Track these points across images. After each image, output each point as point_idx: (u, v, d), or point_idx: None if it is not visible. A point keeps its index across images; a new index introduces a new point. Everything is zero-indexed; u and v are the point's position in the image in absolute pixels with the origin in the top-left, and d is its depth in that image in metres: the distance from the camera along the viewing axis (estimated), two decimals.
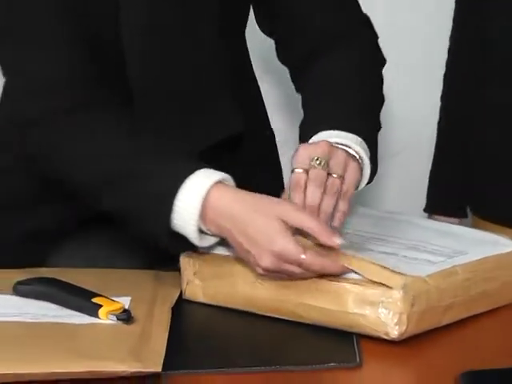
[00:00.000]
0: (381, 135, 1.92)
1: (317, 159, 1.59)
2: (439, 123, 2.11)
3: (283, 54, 2.00)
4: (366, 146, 1.73)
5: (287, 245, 1.52)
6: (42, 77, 1.78)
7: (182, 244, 1.64)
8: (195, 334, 1.63)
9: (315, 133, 1.73)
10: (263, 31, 2.03)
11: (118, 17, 1.80)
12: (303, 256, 1.51)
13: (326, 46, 1.91)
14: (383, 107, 1.97)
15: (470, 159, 2.03)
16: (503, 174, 1.98)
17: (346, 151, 1.67)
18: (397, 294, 1.48)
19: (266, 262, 1.53)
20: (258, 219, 1.56)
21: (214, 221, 1.59)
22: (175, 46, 1.84)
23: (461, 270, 1.59)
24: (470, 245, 1.72)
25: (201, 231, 1.61)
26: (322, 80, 1.88)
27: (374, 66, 1.95)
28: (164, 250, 1.67)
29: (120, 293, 1.64)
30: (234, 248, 1.60)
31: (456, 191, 1.99)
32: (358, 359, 1.48)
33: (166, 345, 1.49)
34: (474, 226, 1.93)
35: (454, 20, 2.08)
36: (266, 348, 1.56)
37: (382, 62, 1.96)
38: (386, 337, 1.50)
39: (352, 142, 1.70)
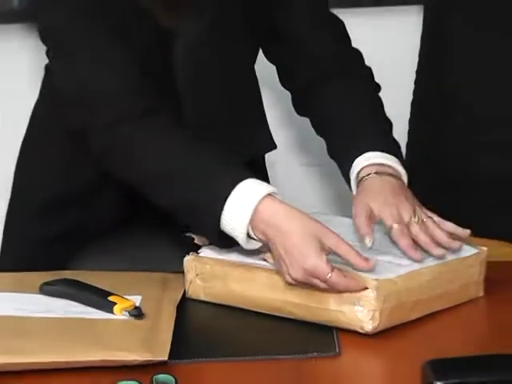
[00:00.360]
0: None
1: (414, 217, 1.66)
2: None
3: (287, 81, 2.01)
4: (399, 162, 1.77)
5: (319, 263, 1.53)
6: (109, 88, 1.77)
7: (230, 242, 1.63)
8: (197, 328, 1.64)
9: (360, 153, 1.75)
10: (268, 59, 2.02)
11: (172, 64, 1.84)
12: (330, 275, 1.52)
13: (328, 75, 1.91)
14: None
15: (432, 182, 2.02)
16: (467, 188, 1.97)
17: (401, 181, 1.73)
18: (371, 294, 1.51)
19: (297, 274, 1.54)
20: (298, 236, 1.55)
21: (262, 230, 1.58)
22: (219, 93, 1.88)
23: (427, 272, 1.61)
24: None
25: (248, 235, 1.60)
26: (338, 105, 1.89)
27: (376, 91, 1.95)
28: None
29: (132, 292, 1.65)
30: (273, 255, 1.60)
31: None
32: (337, 349, 1.50)
33: (171, 337, 1.50)
34: None
35: (417, 70, 2.09)
36: (257, 340, 1.57)
37: (379, 88, 1.97)
38: (361, 331, 1.52)
39: (394, 162, 1.75)
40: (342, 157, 1.81)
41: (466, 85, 1.90)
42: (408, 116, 2.08)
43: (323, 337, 1.56)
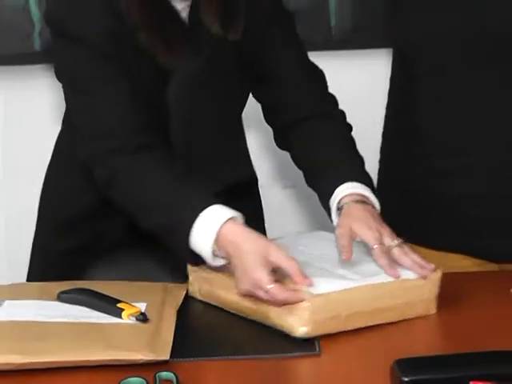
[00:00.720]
0: None
1: (394, 240, 1.67)
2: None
3: (270, 119, 1.98)
4: (373, 193, 1.77)
5: (261, 276, 1.54)
6: (108, 125, 1.77)
7: (201, 260, 1.64)
8: (195, 330, 1.63)
9: (341, 183, 1.75)
10: (255, 97, 2.00)
11: (167, 99, 1.83)
12: (269, 286, 1.53)
13: (307, 116, 1.89)
14: None
15: (401, 201, 2.02)
16: (425, 209, 1.97)
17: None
18: (304, 305, 1.54)
19: (245, 285, 1.58)
20: (250, 254, 1.57)
21: (224, 248, 1.60)
22: (209, 130, 1.88)
23: (365, 288, 1.60)
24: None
25: (214, 254, 1.61)
26: (316, 141, 1.87)
27: (349, 131, 1.93)
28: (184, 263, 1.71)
29: (138, 300, 1.65)
30: (232, 269, 1.61)
31: (388, 222, 2.01)
32: (317, 349, 1.52)
33: (172, 339, 1.51)
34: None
35: (387, 109, 2.08)
36: (248, 340, 1.58)
37: (351, 129, 1.95)
38: (297, 335, 1.55)
39: (369, 193, 1.75)
40: (322, 186, 1.81)
41: (428, 121, 1.90)
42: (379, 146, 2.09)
43: (305, 339, 1.56)
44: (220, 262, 1.63)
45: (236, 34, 1.82)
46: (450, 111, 1.87)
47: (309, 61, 1.97)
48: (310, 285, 1.55)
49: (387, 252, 1.64)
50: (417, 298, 1.64)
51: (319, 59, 2.47)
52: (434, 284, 1.64)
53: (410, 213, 1.97)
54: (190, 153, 1.87)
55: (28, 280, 1.97)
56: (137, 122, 1.76)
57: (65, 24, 1.78)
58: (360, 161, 1.86)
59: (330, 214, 1.79)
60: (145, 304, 1.64)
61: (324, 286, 1.58)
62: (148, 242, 1.85)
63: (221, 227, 1.60)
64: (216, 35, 1.81)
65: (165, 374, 1.40)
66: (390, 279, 1.61)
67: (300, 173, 2.42)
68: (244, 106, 1.97)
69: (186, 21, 1.82)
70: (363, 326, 1.60)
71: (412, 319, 1.65)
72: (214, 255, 1.62)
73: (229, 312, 1.68)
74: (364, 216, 1.69)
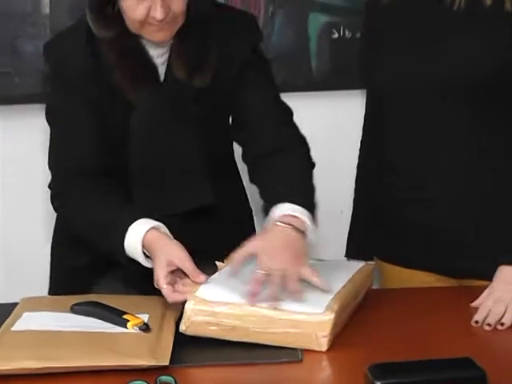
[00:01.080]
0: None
1: (276, 270, 1.58)
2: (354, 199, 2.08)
3: (244, 156, 1.92)
4: (310, 216, 1.70)
5: (159, 276, 1.60)
6: (70, 159, 1.81)
7: (139, 265, 1.69)
8: (191, 339, 1.57)
9: (278, 202, 1.70)
10: (234, 138, 1.96)
11: (129, 131, 1.82)
12: (164, 286, 1.59)
13: (277, 153, 1.83)
14: None
15: (375, 225, 1.99)
16: (395, 232, 1.94)
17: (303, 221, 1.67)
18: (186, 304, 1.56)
19: (155, 282, 1.63)
20: (160, 256, 1.62)
21: (149, 250, 1.66)
22: (165, 151, 1.84)
23: (247, 310, 1.56)
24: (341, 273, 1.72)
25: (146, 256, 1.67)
26: (278, 175, 1.81)
27: (311, 167, 1.88)
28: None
29: (141, 311, 1.65)
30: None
31: (363, 245, 2.00)
32: (300, 357, 1.51)
33: (172, 346, 1.52)
34: (377, 265, 1.93)
35: (361, 143, 2.06)
36: (240, 349, 1.55)
37: (314, 165, 1.89)
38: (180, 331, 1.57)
39: (307, 218, 1.68)
40: (268, 208, 1.74)
41: (395, 155, 1.90)
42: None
43: (289, 347, 1.55)
44: (151, 264, 1.67)
45: (203, 81, 1.80)
46: (413, 147, 1.87)
47: (279, 103, 1.92)
48: (202, 282, 1.59)
49: (269, 280, 1.58)
50: (303, 336, 1.55)
51: (301, 99, 2.49)
52: (324, 326, 1.53)
53: (382, 236, 1.96)
54: (147, 178, 1.86)
55: (50, 294, 1.96)
56: (92, 157, 1.80)
57: (50, 60, 1.84)
58: (310, 192, 1.81)
59: None
60: (147, 315, 1.64)
61: (218, 293, 1.58)
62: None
63: (145, 234, 1.66)
64: (182, 80, 1.79)
65: (165, 378, 1.42)
66: (285, 312, 1.55)
67: None
68: (214, 142, 1.91)
69: (162, 67, 1.82)
70: (245, 340, 1.56)
71: (383, 329, 1.64)
72: (147, 257, 1.67)
73: None
74: (275, 239, 1.64)
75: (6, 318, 1.66)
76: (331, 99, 2.32)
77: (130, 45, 1.78)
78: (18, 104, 2.53)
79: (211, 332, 1.56)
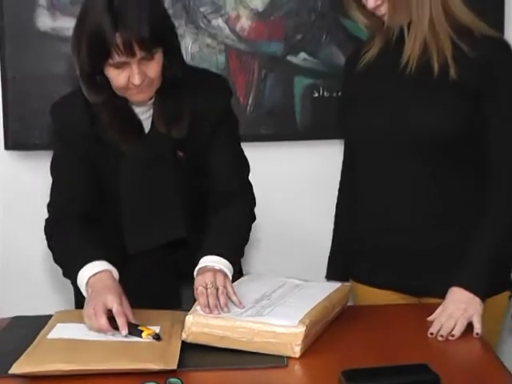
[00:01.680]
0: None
1: (211, 283, 1.63)
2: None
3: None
4: (230, 267, 1.72)
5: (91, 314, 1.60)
6: (59, 200, 1.84)
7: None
8: (196, 348, 1.57)
9: (202, 257, 1.73)
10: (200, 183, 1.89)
11: (118, 183, 1.82)
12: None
13: (224, 206, 1.82)
14: None
15: (347, 252, 1.99)
16: (364, 257, 1.93)
17: (221, 270, 1.69)
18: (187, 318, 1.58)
19: (85, 312, 1.62)
20: (94, 299, 1.62)
21: (89, 289, 1.66)
22: (148, 192, 1.82)
23: (236, 322, 1.57)
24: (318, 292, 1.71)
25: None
26: (216, 225, 1.80)
27: (251, 221, 1.88)
28: None
29: (153, 324, 1.64)
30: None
31: (340, 268, 2.00)
32: (285, 362, 1.51)
33: (179, 352, 1.52)
34: (352, 286, 1.90)
35: (340, 184, 2.05)
36: (235, 355, 1.54)
37: (254, 219, 1.89)
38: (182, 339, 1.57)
39: (222, 266, 1.70)
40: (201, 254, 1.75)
41: (365, 193, 1.90)
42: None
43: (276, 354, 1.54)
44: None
45: (178, 133, 1.78)
46: (381, 187, 1.87)
47: (237, 160, 1.90)
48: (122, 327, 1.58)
49: (209, 294, 1.62)
50: (281, 345, 1.54)
51: (288, 147, 2.51)
52: (297, 337, 1.53)
53: (356, 260, 1.96)
54: (135, 215, 1.84)
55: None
56: (78, 200, 1.82)
57: (53, 117, 1.85)
58: (241, 241, 1.84)
59: None
60: (158, 327, 1.63)
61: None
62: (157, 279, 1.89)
63: (91, 276, 1.67)
64: (163, 133, 1.78)
65: (173, 380, 1.42)
66: (266, 325, 1.55)
67: (271, 226, 2.43)
68: (192, 181, 1.87)
69: (147, 121, 1.81)
70: (234, 347, 1.56)
71: (354, 339, 1.64)
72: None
73: None
74: (205, 271, 1.69)
75: (42, 328, 1.66)
76: (313, 147, 2.33)
77: (119, 105, 1.77)
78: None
79: (206, 340, 1.58)
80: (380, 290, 1.88)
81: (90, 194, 1.83)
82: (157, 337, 1.58)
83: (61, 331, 1.62)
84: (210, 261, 1.72)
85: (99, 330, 1.60)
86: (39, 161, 2.47)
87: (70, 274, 1.75)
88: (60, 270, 1.83)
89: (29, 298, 2.46)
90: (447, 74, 1.76)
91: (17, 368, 1.46)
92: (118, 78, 1.69)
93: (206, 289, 1.63)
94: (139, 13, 1.65)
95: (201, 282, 1.65)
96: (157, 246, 1.84)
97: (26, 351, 1.53)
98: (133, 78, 1.68)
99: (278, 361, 1.52)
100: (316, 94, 2.53)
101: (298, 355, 1.53)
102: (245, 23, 2.48)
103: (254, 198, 1.91)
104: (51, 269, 2.45)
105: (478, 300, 1.70)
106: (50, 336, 1.60)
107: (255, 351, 1.55)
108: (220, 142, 1.85)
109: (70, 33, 2.30)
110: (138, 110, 1.80)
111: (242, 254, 1.86)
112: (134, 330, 1.61)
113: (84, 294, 1.70)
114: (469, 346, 1.61)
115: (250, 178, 1.94)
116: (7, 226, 2.57)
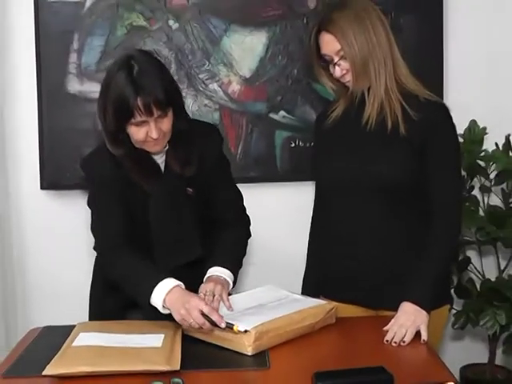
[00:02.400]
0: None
1: (209, 291, 1.67)
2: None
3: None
4: (231, 275, 1.77)
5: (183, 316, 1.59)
6: (107, 233, 1.79)
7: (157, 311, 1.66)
8: (195, 353, 1.57)
9: (210, 267, 1.77)
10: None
11: (148, 215, 1.81)
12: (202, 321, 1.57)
13: (226, 227, 1.86)
14: None
15: (318, 273, 1.96)
16: (331, 276, 1.90)
17: (223, 279, 1.74)
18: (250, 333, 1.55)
19: (177, 318, 1.60)
20: (181, 305, 1.59)
21: (169, 305, 1.62)
22: (170, 221, 1.81)
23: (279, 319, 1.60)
24: (298, 305, 1.71)
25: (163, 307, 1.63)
26: (221, 244, 1.84)
27: (248, 238, 1.92)
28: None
29: (158, 332, 1.64)
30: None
31: (313, 286, 1.97)
32: (267, 364, 1.50)
33: (180, 355, 1.51)
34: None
35: (312, 218, 2.02)
36: (227, 358, 1.55)
37: (250, 235, 1.93)
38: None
39: (224, 275, 1.75)
40: (209, 265, 1.80)
41: (333, 224, 1.88)
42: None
43: (260, 356, 1.54)
44: (167, 311, 1.64)
45: (189, 172, 1.79)
46: (346, 221, 1.86)
47: (232, 192, 1.92)
48: (221, 323, 1.56)
49: (205, 300, 1.65)
50: (241, 344, 1.56)
51: (269, 188, 2.51)
52: (249, 338, 1.55)
53: (325, 279, 1.94)
54: (161, 240, 1.83)
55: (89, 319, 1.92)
56: (123, 231, 1.78)
57: (86, 171, 1.84)
58: (235, 257, 1.86)
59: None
60: (163, 335, 1.62)
61: (253, 320, 1.58)
62: None
63: (167, 293, 1.63)
64: (177, 173, 1.79)
65: (176, 380, 1.41)
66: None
67: (260, 252, 2.42)
68: (202, 210, 1.86)
69: (162, 165, 1.81)
70: (216, 343, 1.60)
71: (323, 346, 1.63)
72: (164, 307, 1.64)
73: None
74: (211, 280, 1.73)
75: (67, 336, 1.64)
76: (291, 188, 2.34)
77: (139, 154, 1.77)
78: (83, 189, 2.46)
79: (198, 335, 1.62)
80: (345, 304, 1.85)
81: (130, 224, 1.80)
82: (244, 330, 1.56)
83: (83, 339, 1.61)
84: (215, 271, 1.77)
85: (196, 326, 1.58)
86: (68, 198, 2.53)
87: (142, 293, 1.67)
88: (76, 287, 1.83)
89: (56, 311, 2.43)
90: (398, 131, 1.77)
91: (49, 370, 1.45)
92: (138, 133, 1.70)
93: (205, 295, 1.67)
94: (154, 80, 1.66)
95: (202, 289, 1.70)
96: (179, 265, 1.82)
97: (56, 356, 1.51)
98: (151, 133, 1.69)
99: (262, 363, 1.52)
100: (293, 145, 2.53)
101: (250, 353, 1.54)
102: (235, 87, 2.50)
103: (249, 220, 1.94)
104: (76, 288, 2.43)
105: (424, 312, 1.69)
106: (74, 343, 1.59)
107: (227, 347, 1.57)
108: (220, 179, 1.87)
109: (94, 95, 2.40)
110: (154, 156, 1.81)
111: (241, 264, 1.87)
112: (227, 324, 1.59)
113: (160, 308, 1.64)
114: (417, 350, 1.60)
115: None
116: (43, 250, 2.56)
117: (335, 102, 1.94)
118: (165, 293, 1.63)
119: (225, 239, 1.86)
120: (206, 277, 1.77)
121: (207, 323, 1.57)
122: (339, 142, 1.88)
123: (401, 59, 1.81)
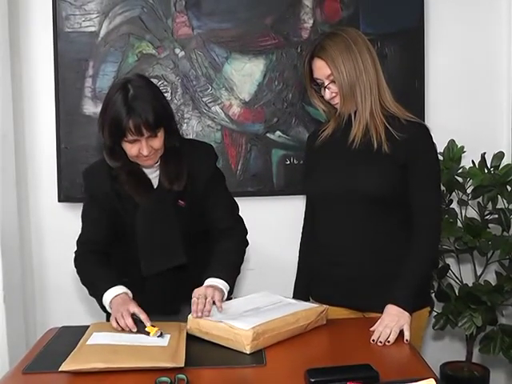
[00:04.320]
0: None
1: (202, 295, 1.66)
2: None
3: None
4: (225, 284, 1.75)
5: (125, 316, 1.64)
6: (85, 239, 1.85)
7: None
8: (199, 351, 1.56)
9: (207, 278, 1.75)
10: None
11: (133, 222, 1.81)
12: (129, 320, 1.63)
13: (223, 236, 1.84)
14: None
15: (308, 278, 1.96)
16: (323, 281, 1.88)
17: (217, 287, 1.71)
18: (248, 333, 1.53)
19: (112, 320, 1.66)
20: (119, 308, 1.66)
21: (113, 306, 1.69)
22: (157, 231, 1.81)
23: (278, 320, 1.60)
24: (292, 308, 1.69)
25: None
26: (217, 254, 1.82)
27: (244, 246, 1.89)
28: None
29: (165, 332, 1.61)
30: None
31: (303, 290, 1.96)
32: (264, 361, 1.49)
33: (184, 353, 1.50)
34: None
35: (303, 227, 2.02)
36: (226, 356, 1.53)
37: (247, 244, 1.90)
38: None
39: (219, 284, 1.73)
40: (205, 277, 1.77)
41: (323, 234, 1.88)
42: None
43: (257, 354, 1.53)
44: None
45: (179, 187, 1.78)
46: (334, 231, 1.86)
47: (228, 202, 1.90)
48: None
49: (198, 302, 1.65)
50: (239, 343, 1.55)
51: (266, 202, 2.50)
52: (247, 337, 1.54)
53: (315, 284, 1.93)
54: (146, 248, 1.82)
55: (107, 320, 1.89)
56: (100, 240, 1.84)
57: (85, 180, 1.87)
58: (231, 265, 1.83)
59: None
60: (169, 334, 1.61)
61: (251, 321, 1.58)
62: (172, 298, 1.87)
63: (113, 297, 1.71)
64: (166, 187, 1.78)
65: (181, 376, 1.40)
66: (231, 327, 1.57)
67: (257, 259, 2.42)
68: (193, 221, 1.84)
69: (156, 179, 1.80)
70: (214, 341, 1.60)
71: (315, 345, 1.61)
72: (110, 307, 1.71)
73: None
74: (207, 288, 1.71)
75: (82, 335, 1.64)
76: (286, 201, 2.34)
77: (133, 168, 1.78)
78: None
79: (198, 333, 1.62)
80: (333, 306, 1.83)
81: (110, 235, 1.84)
82: (160, 334, 1.60)
83: (97, 338, 1.60)
84: (211, 281, 1.75)
85: (127, 328, 1.63)
86: None
87: (96, 296, 1.78)
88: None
89: (72, 313, 2.45)
90: (382, 149, 1.77)
91: (65, 366, 1.45)
92: (131, 150, 1.72)
93: (198, 299, 1.66)
94: (146, 104, 1.67)
95: (195, 293, 1.69)
96: (164, 270, 1.82)
97: (71, 353, 1.51)
98: (142, 150, 1.70)
99: (259, 361, 1.51)
100: (288, 162, 2.53)
101: (248, 352, 1.53)
102: (235, 110, 2.51)
103: (246, 229, 1.91)
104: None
105: (406, 314, 1.69)
106: (88, 342, 1.58)
107: (226, 345, 1.56)
108: (214, 192, 1.85)
109: None
110: (147, 171, 1.81)
111: (238, 271, 1.85)
112: (143, 330, 1.63)
113: (108, 309, 1.73)
114: (400, 349, 1.60)
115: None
116: (60, 257, 2.55)
117: (325, 123, 1.95)
118: (110, 298, 1.71)
119: (220, 249, 1.83)
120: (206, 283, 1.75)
121: (130, 323, 1.63)
122: (327, 159, 1.87)
123: (386, 86, 1.81)
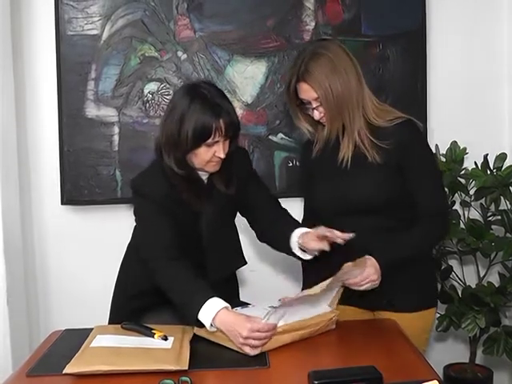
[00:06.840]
0: None
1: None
2: None
3: (254, 226, 1.92)
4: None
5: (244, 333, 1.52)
6: (157, 244, 1.70)
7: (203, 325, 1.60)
8: (203, 354, 1.56)
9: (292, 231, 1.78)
10: (243, 216, 1.93)
11: (199, 228, 1.80)
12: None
13: (275, 221, 1.86)
14: None
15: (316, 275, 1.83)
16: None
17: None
18: None
19: (236, 341, 1.54)
20: (230, 328, 1.55)
21: (221, 325, 1.57)
22: (218, 233, 1.82)
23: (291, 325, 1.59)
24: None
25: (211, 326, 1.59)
26: (275, 223, 1.86)
27: (288, 215, 1.91)
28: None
29: (169, 335, 1.61)
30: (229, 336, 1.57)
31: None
32: (267, 364, 1.49)
33: (188, 356, 1.50)
34: None
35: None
36: (230, 358, 1.54)
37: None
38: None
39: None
40: (284, 234, 1.81)
41: None
42: None
43: (260, 356, 1.53)
44: (214, 329, 1.60)
45: (232, 190, 1.81)
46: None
47: (270, 195, 1.94)
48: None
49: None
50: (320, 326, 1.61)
51: None
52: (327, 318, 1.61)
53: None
54: (213, 254, 1.82)
55: (109, 323, 1.90)
56: (171, 244, 1.70)
57: (139, 188, 1.77)
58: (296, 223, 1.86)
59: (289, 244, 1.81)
60: (173, 337, 1.61)
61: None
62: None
63: (216, 313, 1.58)
64: (222, 191, 1.80)
65: (184, 378, 1.40)
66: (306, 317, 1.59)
67: (261, 260, 2.43)
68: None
69: (206, 184, 1.81)
70: (221, 343, 1.60)
71: (320, 347, 1.61)
72: (211, 326, 1.59)
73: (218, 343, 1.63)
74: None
75: (86, 338, 1.64)
76: (288, 202, 2.29)
77: (190, 175, 1.76)
78: (99, 204, 2.53)
79: (206, 335, 1.62)
80: (344, 306, 1.80)
81: (177, 239, 1.73)
82: (165, 337, 1.60)
83: (100, 341, 1.60)
84: (299, 231, 1.79)
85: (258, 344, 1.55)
86: (85, 212, 2.55)
87: (190, 308, 1.61)
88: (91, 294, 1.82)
89: (75, 315, 2.43)
90: (374, 160, 1.77)
91: (69, 369, 1.45)
92: (206, 154, 1.70)
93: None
94: (229, 104, 1.71)
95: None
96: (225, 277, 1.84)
97: (75, 356, 1.51)
98: (219, 153, 1.70)
99: (262, 363, 1.51)
100: (290, 164, 2.54)
101: (251, 354, 1.54)
102: (238, 112, 2.41)
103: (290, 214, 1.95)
104: (92, 293, 2.43)
105: (379, 272, 1.70)
106: (92, 345, 1.58)
107: (231, 347, 1.57)
108: (256, 185, 1.90)
109: (110, 119, 2.48)
110: (201, 177, 1.80)
111: None
112: (148, 332, 1.63)
113: (207, 326, 1.60)
114: (404, 352, 1.59)
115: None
116: (62, 259, 2.57)
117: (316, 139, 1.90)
118: (214, 313, 1.58)
119: (283, 217, 1.87)
120: (299, 233, 1.77)
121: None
122: (324, 167, 1.87)
123: (368, 96, 1.79)
